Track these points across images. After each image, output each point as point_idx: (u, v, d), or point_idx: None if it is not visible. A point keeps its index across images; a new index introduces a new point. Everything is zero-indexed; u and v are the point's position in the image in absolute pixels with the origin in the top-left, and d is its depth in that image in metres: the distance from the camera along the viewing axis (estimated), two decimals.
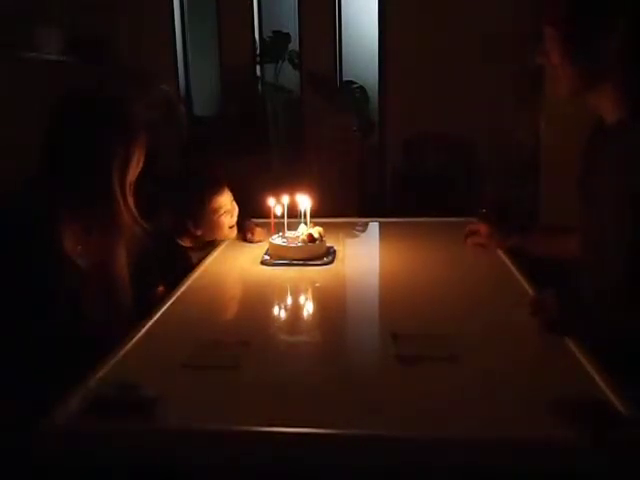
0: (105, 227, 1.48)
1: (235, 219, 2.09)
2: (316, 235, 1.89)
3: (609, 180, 1.33)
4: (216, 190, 2.04)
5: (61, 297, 1.37)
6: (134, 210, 1.52)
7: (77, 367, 1.14)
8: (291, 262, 1.85)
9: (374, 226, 2.52)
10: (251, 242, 2.10)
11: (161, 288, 1.77)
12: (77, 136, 1.45)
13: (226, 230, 2.07)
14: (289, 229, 1.96)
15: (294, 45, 4.31)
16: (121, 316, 1.50)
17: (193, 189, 2.05)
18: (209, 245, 2.08)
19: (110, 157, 1.47)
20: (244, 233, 2.13)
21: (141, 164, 1.55)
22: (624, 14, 1.25)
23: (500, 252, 1.89)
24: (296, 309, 1.61)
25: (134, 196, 1.54)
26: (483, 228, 1.94)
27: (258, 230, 2.12)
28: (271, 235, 1.97)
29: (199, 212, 2.03)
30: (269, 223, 2.06)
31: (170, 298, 1.59)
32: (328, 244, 1.94)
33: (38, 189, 1.45)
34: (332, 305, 1.60)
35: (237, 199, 2.12)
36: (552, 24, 1.32)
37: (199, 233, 2.05)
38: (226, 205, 2.05)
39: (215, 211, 2.03)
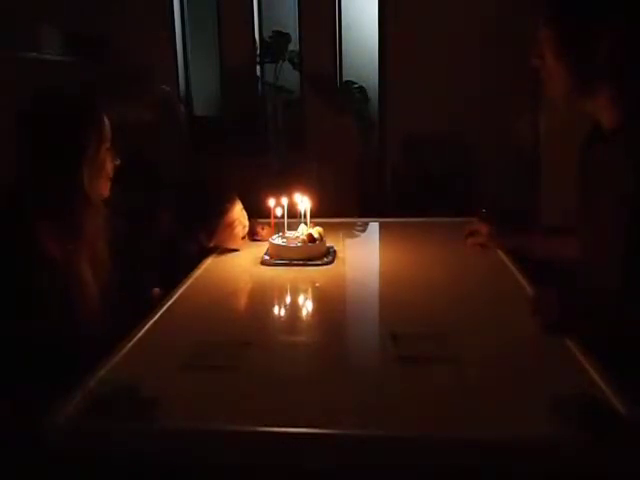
0: (69, 224, 1.48)
1: (247, 229, 2.06)
2: (316, 235, 1.89)
3: (608, 182, 1.33)
4: (230, 204, 2.00)
5: (43, 296, 1.37)
6: (102, 206, 1.53)
7: (77, 367, 1.14)
8: (291, 262, 1.85)
9: (374, 226, 2.52)
10: (262, 240, 2.09)
11: (156, 289, 1.77)
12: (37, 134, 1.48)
13: (240, 241, 2.04)
14: (289, 229, 1.96)
15: (294, 45, 4.31)
16: (95, 316, 1.50)
17: (209, 204, 2.00)
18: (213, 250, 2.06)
19: (70, 149, 1.47)
20: (251, 233, 2.12)
21: (108, 148, 1.54)
22: (620, 14, 1.25)
23: (500, 252, 1.89)
24: (296, 309, 1.61)
25: (110, 188, 1.55)
26: (483, 228, 1.94)
27: (267, 228, 2.11)
28: (271, 235, 1.97)
29: (214, 226, 1.98)
30: (269, 223, 2.06)
31: (170, 298, 1.59)
32: (328, 244, 1.94)
33: (14, 189, 1.47)
34: (332, 305, 1.60)
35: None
36: (547, 25, 1.31)
37: (211, 245, 2.00)
38: (240, 217, 2.02)
39: (230, 224, 1.99)
